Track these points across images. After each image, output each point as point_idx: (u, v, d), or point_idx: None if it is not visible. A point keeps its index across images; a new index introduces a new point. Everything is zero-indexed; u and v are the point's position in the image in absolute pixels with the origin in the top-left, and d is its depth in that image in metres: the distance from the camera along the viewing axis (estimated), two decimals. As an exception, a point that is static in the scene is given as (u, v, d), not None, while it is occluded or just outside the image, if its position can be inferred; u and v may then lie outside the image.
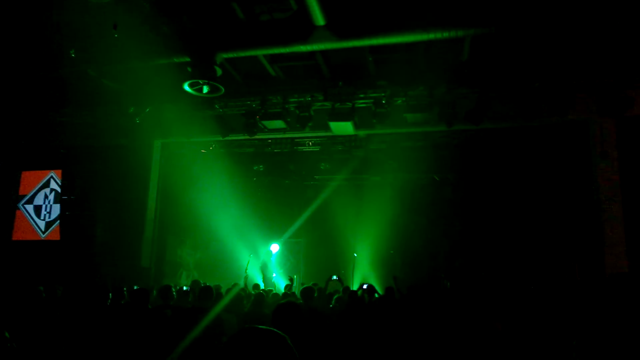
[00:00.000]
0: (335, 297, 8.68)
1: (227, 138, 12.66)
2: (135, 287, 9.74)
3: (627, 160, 10.57)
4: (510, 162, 14.10)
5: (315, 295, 7.99)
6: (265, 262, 16.26)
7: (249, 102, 12.07)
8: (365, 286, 9.49)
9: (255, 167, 16.37)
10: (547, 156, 13.12)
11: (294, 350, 1.77)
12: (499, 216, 14.83)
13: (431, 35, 8.46)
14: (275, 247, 16.55)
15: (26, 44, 10.34)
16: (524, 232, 14.01)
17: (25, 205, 14.48)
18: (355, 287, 14.28)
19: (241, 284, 11.03)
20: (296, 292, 10.95)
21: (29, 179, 14.68)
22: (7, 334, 2.89)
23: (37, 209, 14.30)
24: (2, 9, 9.07)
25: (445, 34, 8.41)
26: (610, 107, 10.25)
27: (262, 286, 12.53)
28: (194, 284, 10.19)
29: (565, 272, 12.29)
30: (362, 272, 15.83)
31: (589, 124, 10.97)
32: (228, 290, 9.00)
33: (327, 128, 11.55)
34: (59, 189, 14.14)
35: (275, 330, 1.80)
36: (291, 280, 11.58)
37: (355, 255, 15.94)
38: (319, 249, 17.41)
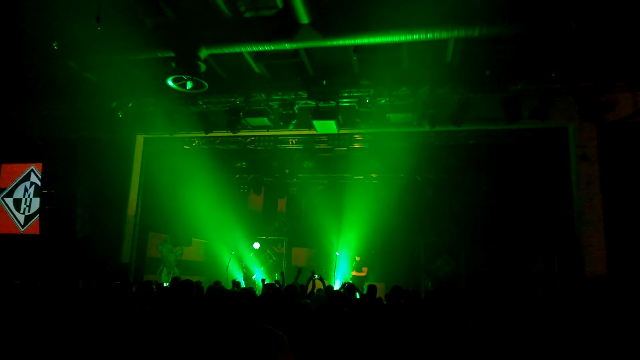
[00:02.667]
0: (315, 294, 8.70)
1: (210, 134, 12.60)
2: (117, 283, 9.69)
3: (608, 164, 10.65)
4: (493, 164, 14.24)
5: (299, 292, 8.02)
6: (247, 261, 16.25)
7: (232, 99, 12.05)
8: (346, 285, 9.54)
9: (238, 164, 16.32)
10: (529, 159, 13.27)
11: (290, 349, 1.79)
12: (480, 217, 14.98)
13: (415, 36, 8.51)
14: (257, 245, 16.54)
15: (5, 35, 10.20)
16: (504, 233, 14.17)
17: (4, 199, 14.26)
18: (337, 286, 14.33)
19: (223, 281, 11.01)
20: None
21: (9, 172, 14.44)
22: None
23: (17, 203, 14.10)
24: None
25: (430, 35, 8.46)
26: (591, 111, 10.35)
27: (242, 284, 12.52)
28: (175, 280, 10.13)
29: (546, 275, 12.44)
30: (344, 271, 15.88)
31: (570, 127, 11.09)
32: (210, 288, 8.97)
33: (311, 126, 11.55)
34: (39, 183, 13.96)
35: (274, 329, 1.82)
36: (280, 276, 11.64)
37: (337, 254, 15.99)
38: (301, 247, 17.45)
